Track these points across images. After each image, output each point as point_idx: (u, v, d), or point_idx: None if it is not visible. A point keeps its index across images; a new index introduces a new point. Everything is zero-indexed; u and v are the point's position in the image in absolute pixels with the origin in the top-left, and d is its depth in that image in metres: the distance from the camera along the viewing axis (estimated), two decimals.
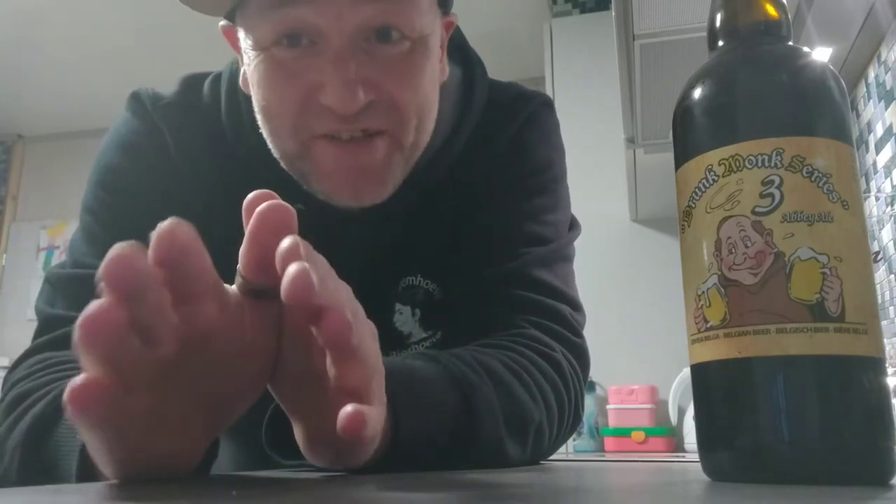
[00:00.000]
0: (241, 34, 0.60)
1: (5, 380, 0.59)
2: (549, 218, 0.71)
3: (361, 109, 0.55)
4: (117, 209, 0.67)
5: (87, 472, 0.42)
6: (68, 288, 0.64)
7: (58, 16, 2.99)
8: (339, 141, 0.58)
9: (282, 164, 0.62)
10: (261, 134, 0.63)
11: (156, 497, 0.28)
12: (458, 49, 0.72)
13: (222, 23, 0.64)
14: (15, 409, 0.53)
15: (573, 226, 0.76)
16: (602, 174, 2.30)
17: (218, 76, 0.71)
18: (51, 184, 3.96)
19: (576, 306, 0.70)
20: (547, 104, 0.75)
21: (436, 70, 0.62)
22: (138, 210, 0.66)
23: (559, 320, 0.66)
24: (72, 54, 3.25)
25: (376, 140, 0.58)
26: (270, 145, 0.61)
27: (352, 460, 0.40)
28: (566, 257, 0.72)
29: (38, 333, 0.62)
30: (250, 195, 0.36)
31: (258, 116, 0.61)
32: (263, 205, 0.35)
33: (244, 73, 0.63)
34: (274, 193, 0.37)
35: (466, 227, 0.70)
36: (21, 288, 3.84)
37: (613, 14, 1.38)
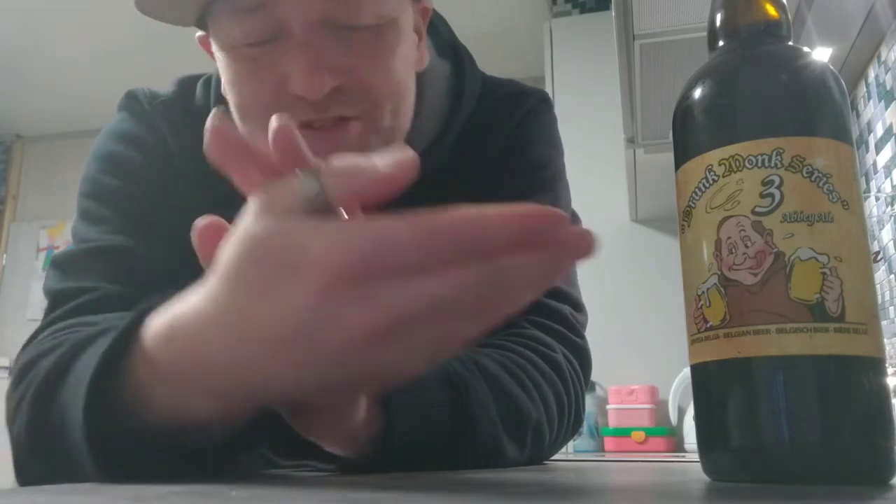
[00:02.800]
0: (212, 39, 0.60)
1: (18, 357, 0.54)
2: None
3: (331, 94, 0.55)
4: (124, 192, 0.65)
5: (96, 416, 0.38)
6: (80, 262, 0.62)
7: (58, 16, 2.99)
8: (312, 129, 0.57)
9: None
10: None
11: (155, 497, 0.28)
12: (447, 44, 0.72)
13: (199, 34, 0.63)
14: (24, 377, 0.50)
15: (574, 223, 0.76)
16: (602, 174, 2.30)
17: (209, 78, 0.71)
18: (50, 184, 3.96)
19: (577, 306, 0.70)
20: (545, 100, 0.75)
21: (409, 53, 0.61)
22: (145, 193, 0.65)
23: (560, 320, 0.66)
24: (71, 54, 3.25)
25: (349, 124, 0.57)
26: None
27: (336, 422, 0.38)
28: None
29: (49, 310, 0.60)
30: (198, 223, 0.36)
31: (235, 117, 0.60)
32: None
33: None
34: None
35: None
36: (21, 288, 3.84)
37: (613, 14, 1.38)
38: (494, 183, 0.70)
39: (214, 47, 0.59)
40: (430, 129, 0.67)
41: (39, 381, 0.45)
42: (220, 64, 0.59)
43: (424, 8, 0.66)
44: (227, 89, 0.60)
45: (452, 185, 0.69)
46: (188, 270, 0.55)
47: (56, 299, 0.60)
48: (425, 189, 0.68)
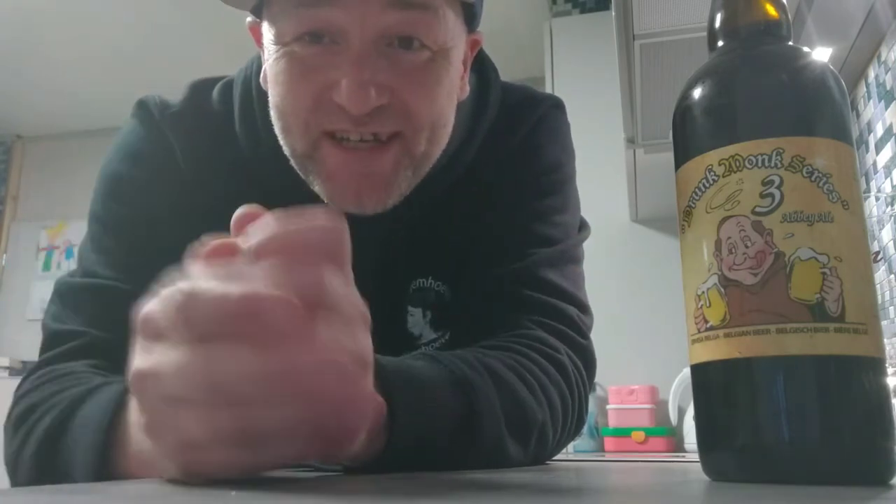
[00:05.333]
0: (265, 29, 0.60)
1: (17, 398, 0.59)
2: (557, 219, 0.71)
3: (373, 112, 0.55)
4: (127, 219, 0.66)
5: (103, 468, 0.44)
6: (79, 298, 0.64)
7: (58, 16, 2.99)
8: (349, 143, 0.57)
9: (291, 162, 0.61)
10: (274, 139, 0.63)
11: (155, 497, 0.28)
12: (475, 56, 0.72)
13: (249, 19, 0.64)
14: (24, 422, 0.54)
15: (583, 227, 0.76)
16: (602, 174, 2.30)
17: (229, 82, 0.70)
18: (50, 184, 3.96)
19: (583, 308, 0.70)
20: (557, 106, 0.75)
21: (455, 85, 0.62)
22: (148, 219, 0.66)
23: (566, 322, 0.66)
24: (72, 54, 3.25)
25: (386, 147, 0.58)
26: (282, 142, 0.61)
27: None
28: (575, 258, 0.72)
29: (45, 348, 0.62)
30: (239, 211, 0.36)
31: (272, 112, 0.61)
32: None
33: (264, 70, 0.62)
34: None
35: (477, 228, 0.70)
36: (21, 288, 3.84)
37: (613, 14, 1.38)
38: (507, 187, 0.71)
39: (266, 39, 0.59)
40: (455, 142, 0.67)
41: (40, 437, 0.51)
42: (269, 57, 0.59)
43: (475, 40, 0.66)
44: (270, 85, 0.60)
45: (470, 192, 0.70)
46: None
47: (51, 340, 0.63)
48: (446, 198, 0.69)
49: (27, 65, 3.35)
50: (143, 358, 0.33)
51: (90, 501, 0.26)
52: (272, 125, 0.62)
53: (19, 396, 0.58)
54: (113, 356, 0.59)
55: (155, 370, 0.31)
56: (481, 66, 0.73)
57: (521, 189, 0.70)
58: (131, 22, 2.98)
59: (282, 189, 0.62)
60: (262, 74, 0.64)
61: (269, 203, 0.61)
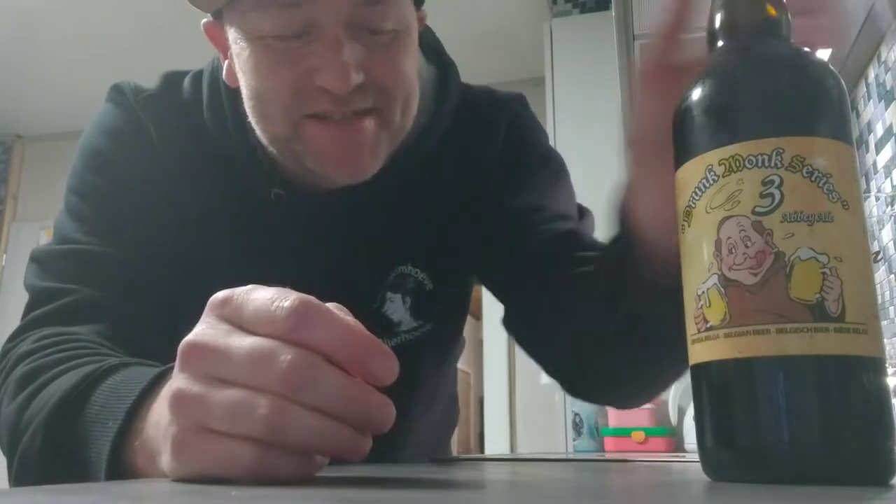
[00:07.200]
0: (232, 28, 0.61)
1: (5, 352, 0.59)
2: (574, 199, 0.79)
3: (353, 90, 0.58)
4: (106, 191, 0.68)
5: (118, 465, 0.43)
6: (59, 262, 0.65)
7: (58, 16, 2.99)
8: (332, 121, 0.61)
9: (272, 148, 0.64)
10: (241, 127, 0.65)
11: (155, 496, 0.28)
12: (434, 51, 0.76)
13: (205, 20, 0.65)
14: (27, 385, 0.53)
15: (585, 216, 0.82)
16: (602, 174, 2.30)
17: (199, 73, 0.73)
18: (50, 184, 3.94)
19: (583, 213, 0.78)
20: (522, 101, 0.81)
21: (416, 57, 0.66)
22: (126, 193, 0.68)
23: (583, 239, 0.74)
24: (72, 54, 3.25)
25: (366, 118, 0.61)
26: (260, 131, 0.63)
27: None
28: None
29: (32, 307, 0.63)
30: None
31: (248, 103, 0.63)
32: None
33: (227, 66, 0.65)
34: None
35: (467, 226, 0.73)
36: (21, 288, 3.83)
37: (613, 14, 1.38)
38: (509, 186, 0.75)
39: (236, 35, 0.61)
40: (417, 126, 0.70)
41: (49, 412, 0.50)
42: (242, 52, 0.61)
43: (420, 16, 0.71)
44: (244, 77, 0.62)
45: (446, 188, 0.73)
46: (162, 271, 0.64)
47: (38, 298, 0.64)
48: (416, 186, 0.71)
49: (27, 65, 3.35)
50: (189, 383, 0.34)
51: (90, 501, 0.26)
52: (240, 116, 0.65)
53: (17, 359, 0.57)
54: (105, 316, 0.60)
55: (202, 398, 0.34)
56: (440, 61, 0.76)
57: (530, 183, 0.75)
58: (131, 22, 2.98)
59: (248, 171, 0.66)
60: (225, 71, 0.66)
61: (236, 187, 0.65)
